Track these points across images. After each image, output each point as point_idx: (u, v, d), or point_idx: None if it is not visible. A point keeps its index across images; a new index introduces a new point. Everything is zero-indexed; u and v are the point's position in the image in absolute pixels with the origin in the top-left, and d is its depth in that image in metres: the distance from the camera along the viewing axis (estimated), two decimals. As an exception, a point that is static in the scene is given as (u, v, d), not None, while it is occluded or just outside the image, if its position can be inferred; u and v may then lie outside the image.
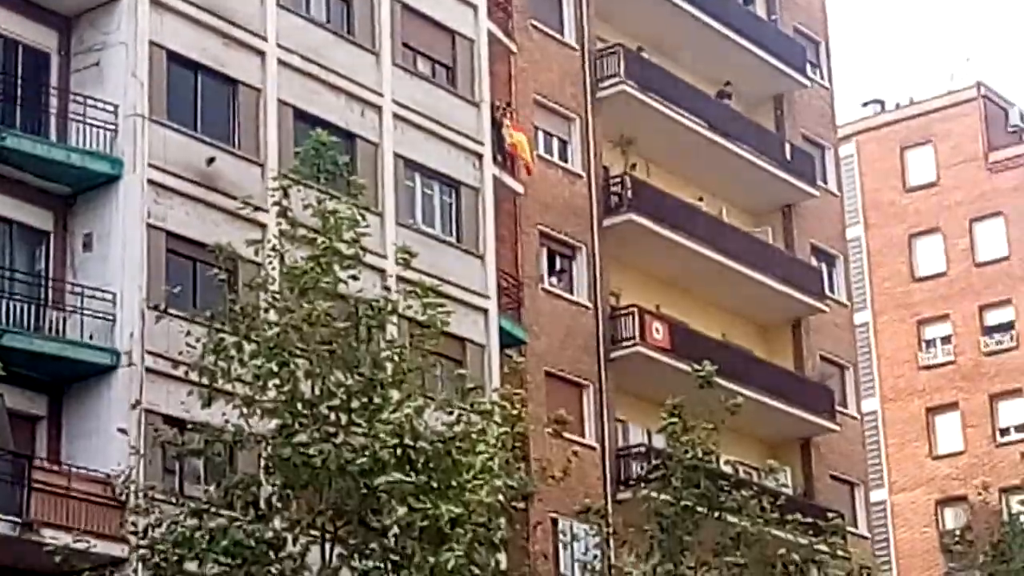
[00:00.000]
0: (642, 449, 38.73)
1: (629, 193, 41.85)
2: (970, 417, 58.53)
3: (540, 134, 40.50)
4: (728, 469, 34.04)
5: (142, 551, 23.90)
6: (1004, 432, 56.46)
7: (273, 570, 22.93)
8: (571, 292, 40.46)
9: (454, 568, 22.28)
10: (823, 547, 34.12)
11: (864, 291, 58.75)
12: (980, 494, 48.87)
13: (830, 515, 40.28)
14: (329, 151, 27.57)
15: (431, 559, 22.11)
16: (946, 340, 60.66)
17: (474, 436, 24.29)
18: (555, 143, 41.39)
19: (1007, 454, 50.42)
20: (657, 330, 40.66)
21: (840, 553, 35.63)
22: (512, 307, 37.04)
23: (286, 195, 24.85)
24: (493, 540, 24.56)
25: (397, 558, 22.79)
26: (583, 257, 40.96)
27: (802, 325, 47.48)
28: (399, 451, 22.52)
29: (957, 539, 47.77)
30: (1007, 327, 59.26)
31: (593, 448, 38.49)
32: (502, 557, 26.02)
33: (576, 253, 40.91)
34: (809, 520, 36.01)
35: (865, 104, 63.56)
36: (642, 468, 37.32)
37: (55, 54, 30.90)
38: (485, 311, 35.30)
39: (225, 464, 24.54)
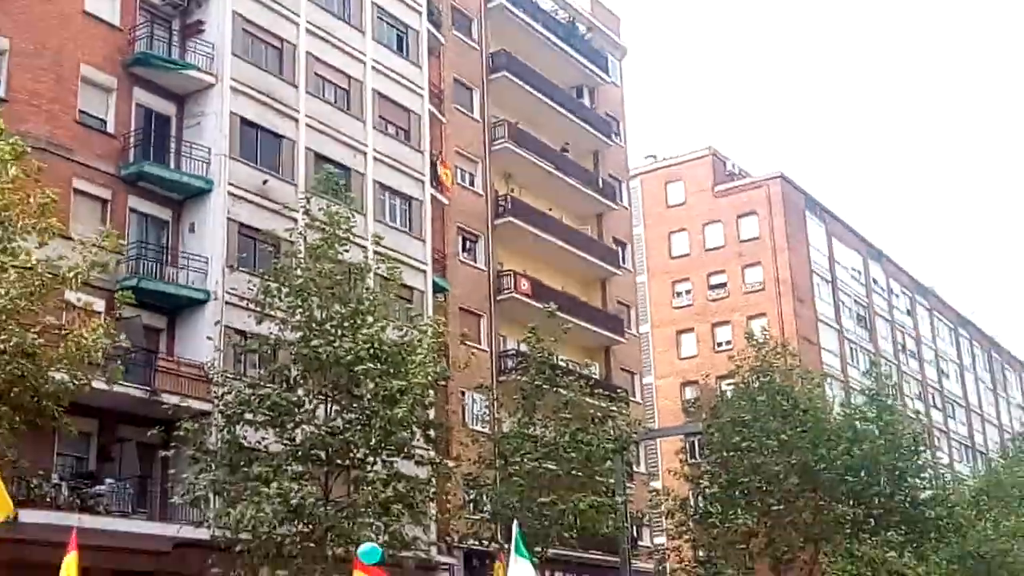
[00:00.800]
0: (513, 352, 39.28)
1: (509, 205, 42.67)
2: (701, 336, 59.70)
3: (458, 171, 41.04)
4: (563, 363, 34.68)
5: (219, 407, 24.68)
6: (719, 345, 57.52)
7: (296, 419, 23.76)
8: (474, 262, 41.18)
9: (402, 418, 23.37)
10: (615, 409, 35.33)
11: (643, 264, 59.35)
12: (704, 380, 49.20)
13: (619, 391, 41.33)
14: (334, 178, 28.09)
15: (388, 413, 23.14)
16: (688, 293, 61.60)
17: (416, 343, 25.34)
18: (467, 176, 41.97)
19: (721, 358, 51.20)
20: (524, 284, 41.49)
21: (624, 412, 36.84)
22: (440, 270, 37.78)
23: (308, 203, 25.94)
24: (425, 403, 25.78)
25: (368, 413, 23.63)
26: (482, 242, 41.66)
27: (607, 283, 48.09)
28: (371, 351, 23.48)
29: (691, 406, 48.95)
30: (722, 286, 60.46)
31: (485, 351, 39.25)
32: (431, 413, 26.90)
33: (478, 239, 41.62)
34: (608, 393, 37.23)
35: (646, 157, 63.97)
36: (513, 363, 38.50)
37: (174, 117, 31.32)
38: (424, 272, 36.01)
39: (270, 358, 25.11)
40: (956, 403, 76.47)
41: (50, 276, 18.03)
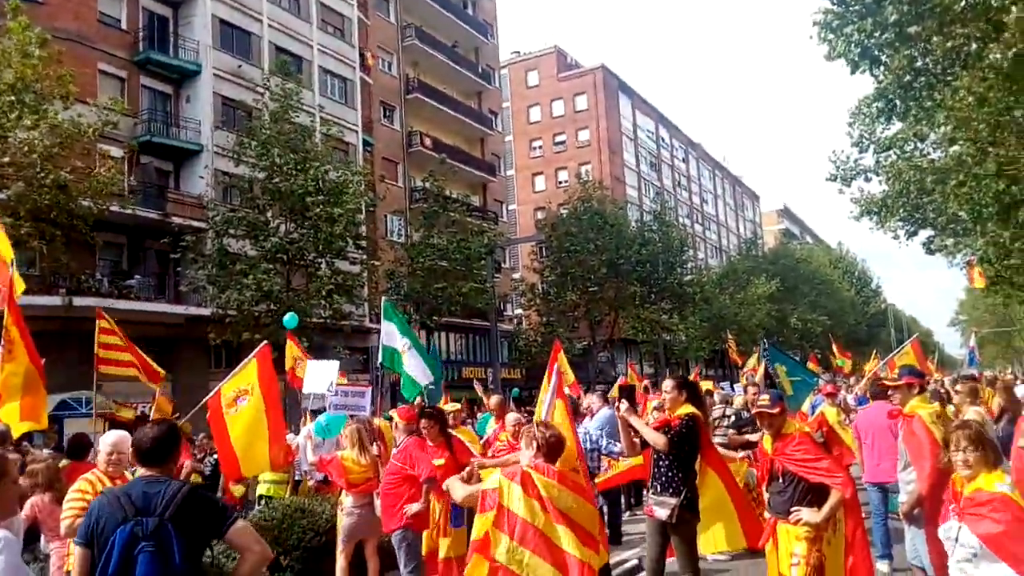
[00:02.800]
0: (420, 188, 38.14)
1: (416, 85, 40.97)
2: (548, 177, 59.46)
3: (380, 60, 39.13)
4: (453, 195, 34.42)
5: (211, 225, 23.82)
6: (560, 183, 56.99)
7: (266, 233, 23.12)
8: (392, 125, 39.64)
9: (339, 233, 23.04)
10: (487, 226, 35.23)
11: (510, 127, 58.35)
12: (549, 206, 49.19)
13: (491, 214, 41.30)
14: (288, 64, 26.81)
15: (329, 229, 22.76)
16: (540, 147, 60.84)
17: (349, 181, 24.55)
18: (386, 63, 39.97)
19: (561, 192, 50.78)
20: (427, 141, 40.33)
21: (495, 228, 36.87)
22: (368, 131, 36.49)
23: (269, 81, 24.69)
24: (356, 222, 25.28)
25: (316, 229, 23.16)
26: (397, 112, 40.05)
27: (485, 140, 46.85)
28: (316, 186, 22.78)
29: (540, 224, 48.81)
30: (563, 143, 59.90)
31: (400, 187, 38.47)
32: (363, 229, 26.62)
33: (395, 109, 39.98)
34: (483, 216, 37.12)
35: (512, 52, 62.05)
36: (419, 196, 37.64)
37: (171, 18, 29.26)
38: (356, 132, 34.70)
39: (247, 191, 24.06)
40: (711, 220, 78.51)
41: (74, 130, 16.92)
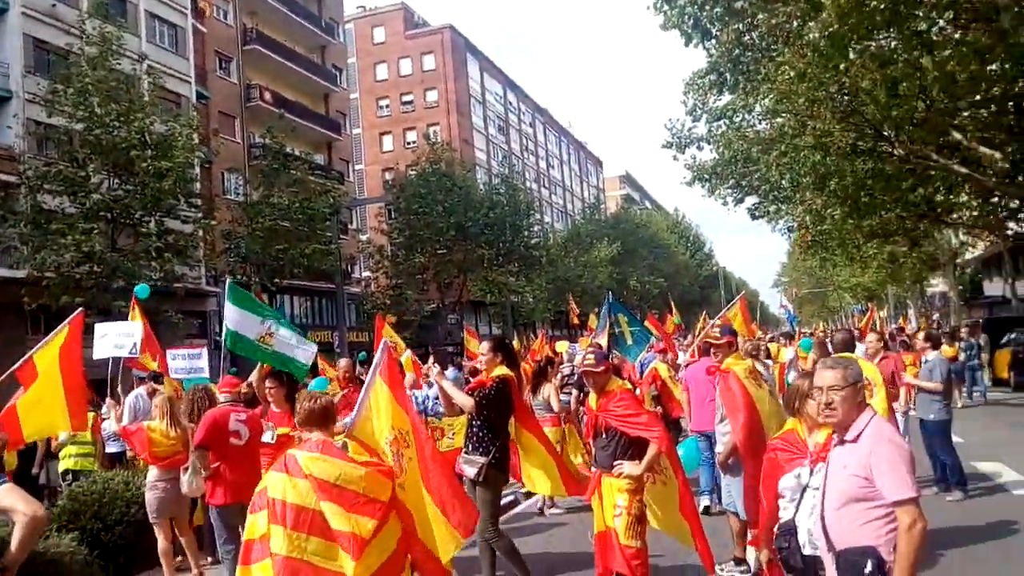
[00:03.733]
0: (260, 144, 36.12)
1: (254, 36, 38.90)
2: (396, 137, 58.51)
3: (215, 7, 36.89)
4: (296, 153, 33.15)
5: (24, 180, 21.92)
6: (408, 143, 56.13)
7: (87, 189, 21.51)
8: (229, 77, 37.55)
9: (168, 189, 21.80)
10: (332, 185, 34.30)
11: (356, 85, 56.78)
12: (397, 167, 48.49)
13: (336, 172, 40.24)
14: (106, 6, 24.76)
15: (157, 185, 21.50)
16: (387, 106, 59.65)
17: (180, 135, 23.15)
18: (221, 11, 37.71)
19: (409, 152, 49.98)
20: (267, 95, 38.51)
21: (340, 188, 35.97)
22: (202, 83, 34.45)
23: (85, 24, 22.80)
24: (188, 178, 23.86)
25: (142, 185, 21.80)
26: (235, 63, 37.99)
27: (329, 97, 45.42)
28: (141, 139, 21.37)
29: (388, 184, 48.02)
30: (411, 103, 59.02)
31: (239, 143, 36.65)
32: (197, 185, 25.21)
33: (232, 60, 37.89)
34: (328, 175, 36.09)
35: (357, 7, 60.21)
36: (259, 152, 35.80)
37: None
38: (189, 83, 32.70)
39: (67, 143, 22.28)
40: (557, 184, 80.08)
41: None
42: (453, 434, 7.76)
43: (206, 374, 10.15)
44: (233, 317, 7.58)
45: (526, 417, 6.05)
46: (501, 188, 43.69)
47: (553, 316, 47.93)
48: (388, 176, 51.58)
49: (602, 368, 5.30)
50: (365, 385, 4.49)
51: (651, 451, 5.04)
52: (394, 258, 39.65)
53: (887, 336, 20.01)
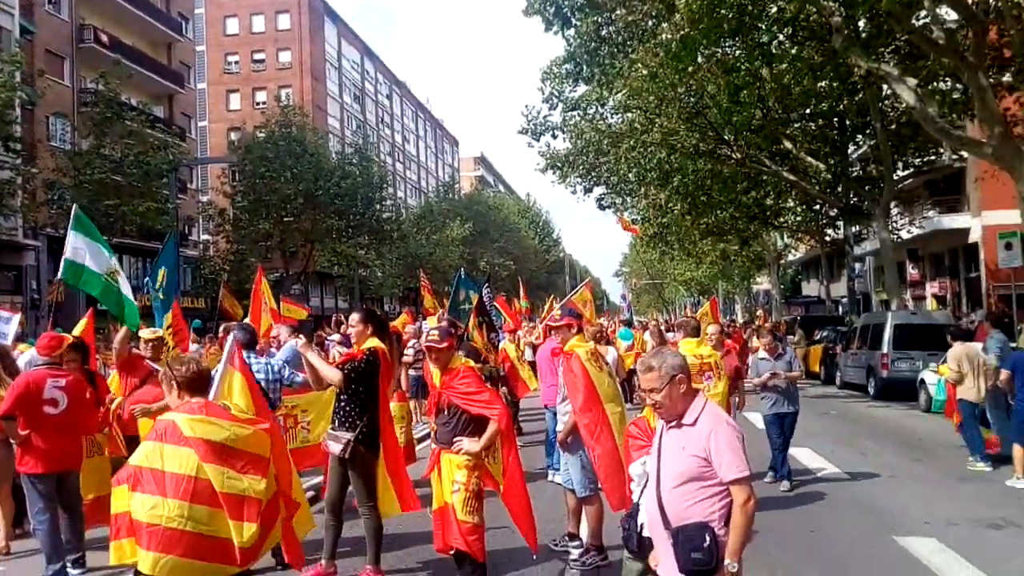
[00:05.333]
0: (92, 90, 33.29)
1: None
2: (244, 96, 55.76)
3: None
4: (132, 102, 30.82)
5: None
6: (257, 103, 53.74)
7: None
8: (59, 14, 34.25)
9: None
10: (172, 141, 32.28)
11: (203, 36, 53.53)
12: (244, 126, 46.15)
13: (177, 128, 37.88)
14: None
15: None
16: (237, 63, 56.73)
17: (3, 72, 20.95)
18: None
19: (258, 113, 47.82)
20: (103, 37, 35.46)
21: (181, 144, 33.91)
22: (28, 16, 31.29)
23: None
24: (6, 120, 21.57)
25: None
26: (67, 1, 34.87)
27: (173, 46, 42.46)
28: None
29: (233, 145, 45.42)
30: (262, 62, 56.44)
31: (68, 87, 33.62)
32: (16, 129, 22.88)
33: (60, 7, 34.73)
34: (168, 129, 33.88)
35: None
36: (90, 101, 32.87)
37: None
38: (12, 15, 29.57)
39: None
40: (412, 160, 79.31)
41: None
42: (308, 423, 7.48)
43: (7, 340, 9.35)
44: (78, 248, 7.01)
45: (383, 404, 5.78)
46: (354, 158, 42.62)
47: (402, 292, 47.48)
48: (234, 136, 49.01)
49: (445, 344, 5.22)
50: (220, 372, 4.31)
51: (491, 429, 5.04)
52: (236, 223, 37.86)
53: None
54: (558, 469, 8.18)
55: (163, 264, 9.78)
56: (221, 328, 10.13)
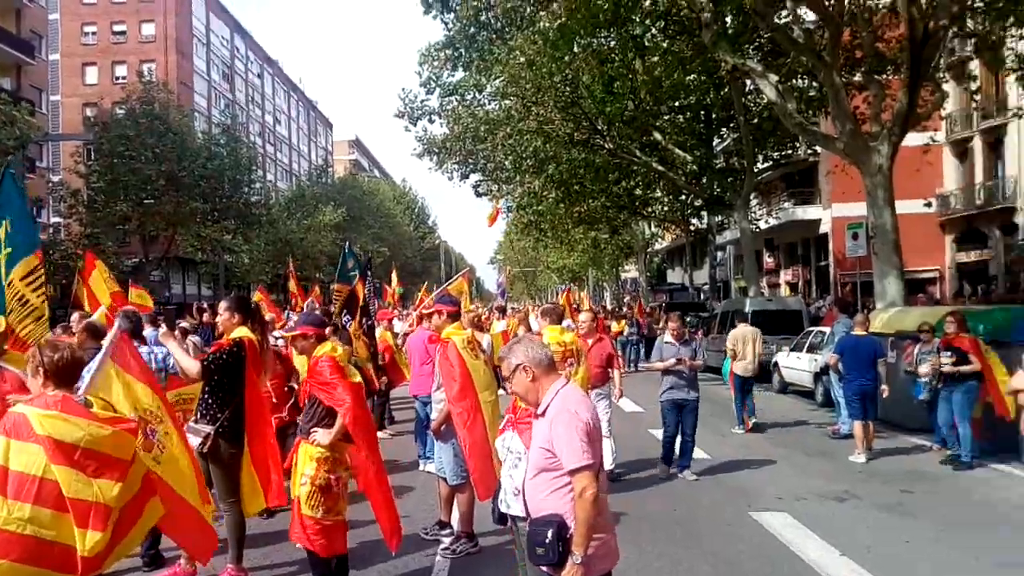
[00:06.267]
0: None
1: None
2: (103, 70, 52.19)
3: None
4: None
5: None
6: (117, 78, 50.44)
7: None
8: None
9: None
10: (19, 115, 29.72)
11: (57, 4, 49.67)
12: (102, 102, 43.19)
13: (26, 102, 34.92)
14: None
15: None
16: (94, 34, 52.92)
17: None
18: None
19: (117, 89, 44.86)
20: None
21: (30, 119, 31.32)
22: None
23: None
24: None
25: None
26: None
27: (22, 12, 39.22)
28: None
29: (90, 121, 42.28)
30: (123, 34, 53.00)
31: None
32: None
33: None
34: (15, 102, 31.29)
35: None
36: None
37: None
38: None
39: None
40: (283, 142, 76.74)
41: None
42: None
43: None
44: None
45: (253, 396, 5.44)
46: (221, 139, 40.77)
47: (270, 278, 45.92)
48: (90, 112, 45.85)
49: (299, 332, 5.07)
50: (96, 365, 3.94)
51: (337, 422, 4.86)
52: (91, 204, 35.46)
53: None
54: (429, 458, 8.12)
55: (5, 214, 6.73)
56: (73, 317, 9.36)
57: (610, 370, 8.57)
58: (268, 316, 9.85)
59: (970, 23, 15.86)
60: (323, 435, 4.90)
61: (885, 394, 9.71)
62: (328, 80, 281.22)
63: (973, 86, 20.26)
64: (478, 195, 30.24)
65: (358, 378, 5.09)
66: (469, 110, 25.62)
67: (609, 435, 8.31)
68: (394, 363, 11.30)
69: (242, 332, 5.45)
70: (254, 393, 5.46)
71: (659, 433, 9.90)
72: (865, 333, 10.11)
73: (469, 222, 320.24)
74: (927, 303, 20.63)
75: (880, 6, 16.43)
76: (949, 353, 9.10)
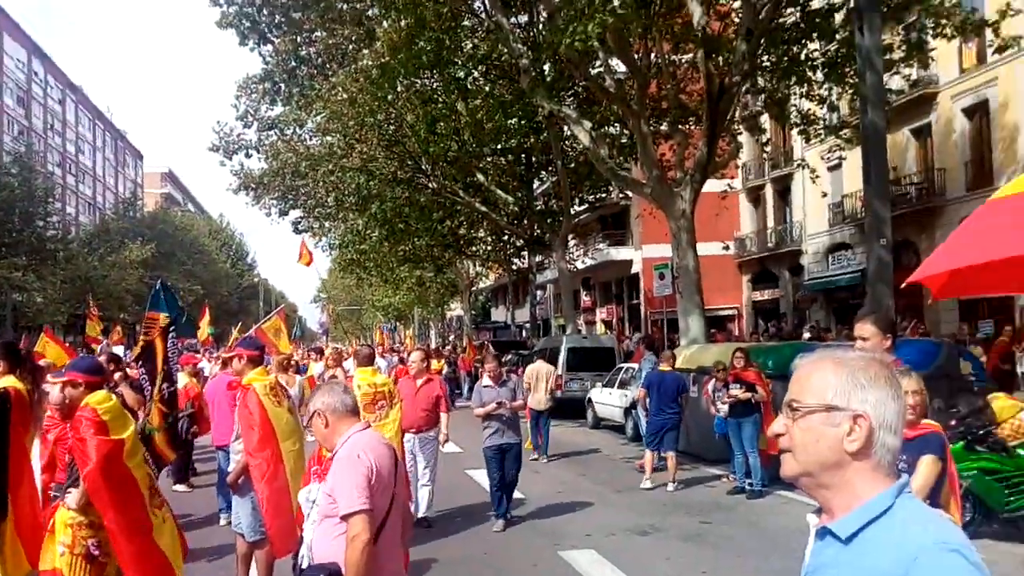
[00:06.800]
0: None
1: None
2: None
3: None
4: None
5: None
6: None
7: None
8: None
9: None
10: None
11: None
12: None
13: None
14: None
15: None
16: None
17: None
18: None
19: None
20: None
21: None
22: None
23: None
24: None
25: None
26: None
27: None
28: None
29: None
30: None
31: None
32: None
33: None
34: None
35: None
36: None
37: None
38: None
39: None
40: (86, 173, 71.19)
41: None
42: None
43: None
44: None
45: (17, 453, 4.79)
46: (13, 168, 37.29)
47: (67, 319, 42.10)
48: None
49: (70, 379, 4.43)
50: None
51: (80, 486, 4.29)
52: None
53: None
54: (229, 511, 7.62)
55: None
56: None
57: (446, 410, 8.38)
58: (44, 362, 8.91)
59: (760, 81, 17.34)
60: (71, 497, 4.35)
61: (688, 427, 10.26)
62: (141, 110, 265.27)
63: (764, 138, 22.20)
64: (298, 232, 29.40)
65: (126, 432, 4.48)
66: (289, 145, 24.96)
67: (430, 484, 8.22)
68: (202, 411, 10.56)
69: (8, 382, 4.82)
70: (19, 450, 4.83)
71: (476, 474, 9.81)
72: (670, 369, 10.63)
73: (291, 259, 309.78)
74: (726, 339, 22.13)
75: (683, 61, 17.64)
76: (738, 385, 9.75)
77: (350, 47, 20.63)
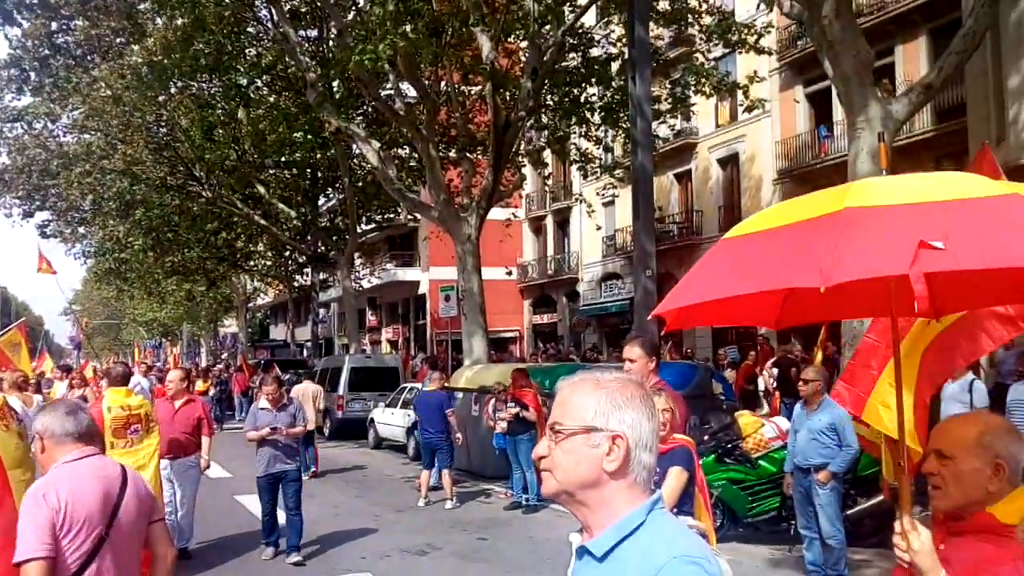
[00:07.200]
0: None
1: None
2: None
3: None
4: None
5: None
6: None
7: None
8: None
9: None
10: None
11: None
12: None
13: None
14: None
15: None
16: None
17: None
18: None
19: None
20: None
21: None
22: None
23: None
24: None
25: None
26: None
27: None
28: None
29: None
30: None
31: None
32: None
33: None
34: None
35: None
36: None
37: None
38: None
39: None
40: None
41: None
42: None
43: None
44: None
45: None
46: None
47: None
48: None
49: None
50: None
51: None
52: None
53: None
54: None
55: None
56: None
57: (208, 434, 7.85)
58: None
59: (544, 118, 18.24)
60: None
61: (459, 442, 10.54)
62: None
63: (546, 172, 23.29)
64: (45, 236, 26.60)
65: None
66: (38, 140, 22.63)
67: (188, 514, 7.66)
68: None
69: None
70: None
71: (246, 500, 9.38)
72: (436, 388, 10.86)
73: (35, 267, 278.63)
74: (507, 360, 22.83)
75: (472, 92, 18.14)
76: (513, 404, 10.14)
77: (117, 40, 19.16)
